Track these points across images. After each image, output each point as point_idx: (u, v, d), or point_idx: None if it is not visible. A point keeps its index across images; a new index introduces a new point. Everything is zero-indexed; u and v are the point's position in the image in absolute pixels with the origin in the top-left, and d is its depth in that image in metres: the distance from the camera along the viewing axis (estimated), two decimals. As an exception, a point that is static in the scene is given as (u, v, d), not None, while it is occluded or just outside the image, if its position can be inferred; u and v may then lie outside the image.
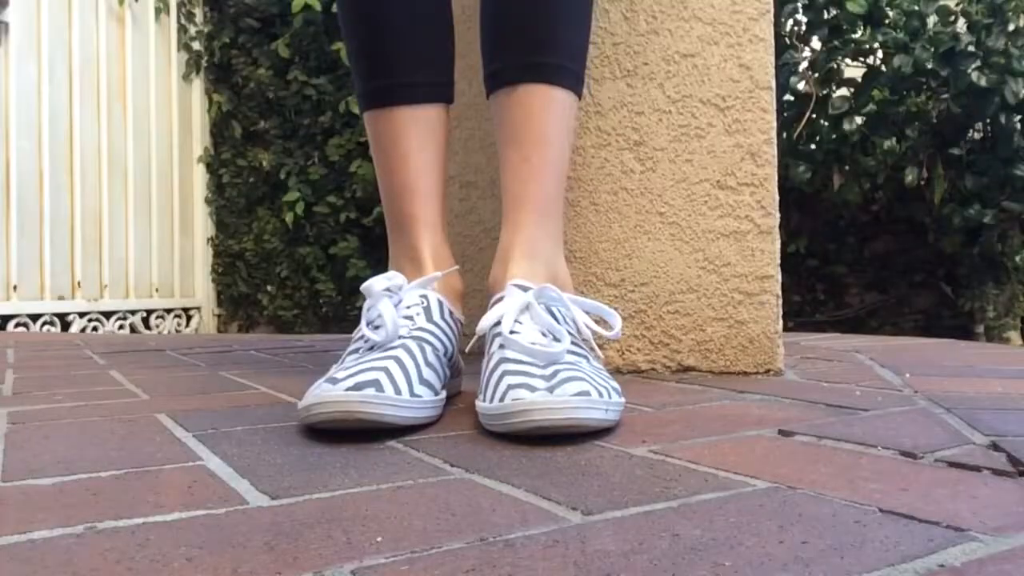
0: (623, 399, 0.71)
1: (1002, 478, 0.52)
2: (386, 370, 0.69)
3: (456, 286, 0.92)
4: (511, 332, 0.73)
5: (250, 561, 0.39)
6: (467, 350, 0.85)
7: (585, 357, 0.75)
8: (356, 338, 0.79)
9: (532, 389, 0.65)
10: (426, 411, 0.71)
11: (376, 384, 0.66)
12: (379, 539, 0.42)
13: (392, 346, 0.74)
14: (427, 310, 0.81)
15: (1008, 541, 0.40)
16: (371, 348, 0.75)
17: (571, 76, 0.90)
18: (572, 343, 0.75)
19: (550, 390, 0.65)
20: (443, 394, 0.76)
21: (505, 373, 0.69)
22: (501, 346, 0.73)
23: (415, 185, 0.91)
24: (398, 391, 0.67)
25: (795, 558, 0.39)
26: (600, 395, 0.66)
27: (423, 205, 0.91)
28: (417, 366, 0.73)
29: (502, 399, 0.66)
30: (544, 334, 0.74)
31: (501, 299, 0.79)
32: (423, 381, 0.72)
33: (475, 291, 1.34)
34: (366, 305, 0.80)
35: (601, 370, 0.76)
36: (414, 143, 0.91)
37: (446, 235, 0.94)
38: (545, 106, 0.88)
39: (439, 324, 0.81)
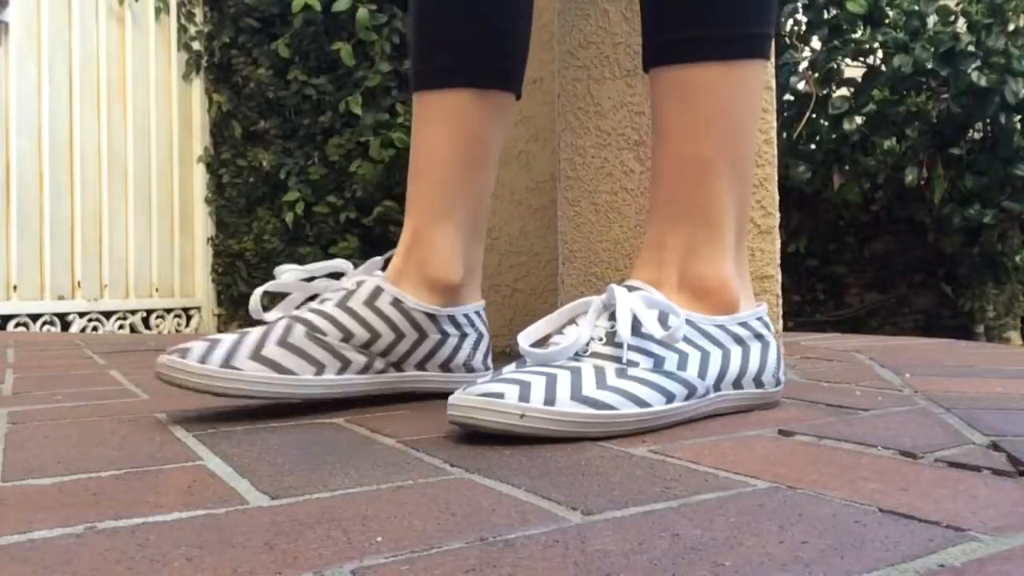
0: (611, 412, 0.65)
1: (1002, 478, 0.52)
2: (215, 340, 0.76)
3: (432, 273, 0.87)
4: (529, 342, 0.71)
5: (250, 561, 0.39)
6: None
7: (635, 363, 0.69)
8: None
9: (470, 385, 0.67)
10: (232, 383, 0.74)
11: (182, 351, 0.74)
12: (379, 539, 0.42)
13: (267, 323, 0.80)
14: (348, 295, 0.82)
15: (1008, 541, 0.40)
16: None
17: (694, 45, 0.77)
18: (625, 345, 0.69)
19: (470, 386, 0.66)
20: (317, 378, 0.78)
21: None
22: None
23: (420, 169, 0.90)
24: (203, 359, 0.73)
25: (795, 558, 0.39)
26: (523, 400, 0.63)
27: (419, 189, 0.90)
28: (259, 342, 0.76)
29: None
30: (593, 338, 0.70)
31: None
32: (257, 356, 0.75)
33: (475, 291, 1.33)
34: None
35: (644, 379, 0.68)
36: (428, 128, 0.90)
37: (449, 222, 0.89)
38: (663, 93, 0.79)
39: (353, 309, 0.81)
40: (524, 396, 0.63)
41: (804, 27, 2.60)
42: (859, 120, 2.51)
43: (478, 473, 0.55)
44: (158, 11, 3.21)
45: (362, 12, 2.85)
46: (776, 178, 1.05)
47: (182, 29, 3.32)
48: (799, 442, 0.64)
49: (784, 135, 2.53)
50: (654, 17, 0.81)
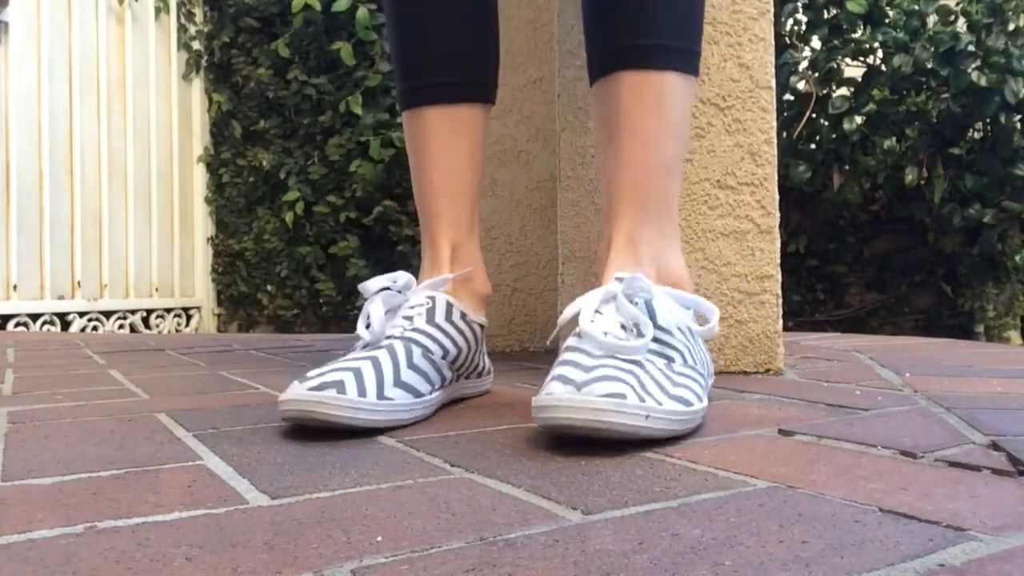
0: (692, 408, 0.65)
1: (1002, 478, 0.52)
2: (357, 371, 0.69)
3: (478, 288, 0.91)
4: (591, 321, 0.68)
5: (250, 561, 0.39)
6: (547, 343, 0.82)
7: (671, 358, 0.69)
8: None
9: (565, 382, 0.61)
10: (396, 414, 0.70)
11: (339, 385, 0.67)
12: (379, 539, 0.42)
13: (379, 346, 0.75)
14: (430, 311, 0.81)
15: (1008, 541, 0.40)
16: (364, 347, 0.76)
17: (669, 55, 0.82)
18: (662, 340, 0.70)
19: (579, 387, 0.60)
20: (432, 396, 0.76)
21: (559, 363, 0.65)
22: (576, 335, 0.68)
23: (442, 184, 0.91)
24: (363, 393, 0.67)
25: (795, 558, 0.39)
26: (641, 400, 0.61)
27: (448, 205, 0.91)
28: (396, 368, 0.72)
29: (541, 390, 0.63)
30: (625, 327, 0.68)
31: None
32: (400, 383, 0.72)
33: (475, 291, 1.34)
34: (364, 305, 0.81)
35: (687, 374, 0.69)
36: (443, 142, 0.91)
37: (475, 236, 0.93)
38: (637, 95, 0.82)
39: (441, 326, 0.81)
40: (641, 397, 0.61)
41: (804, 27, 2.59)
42: (859, 120, 2.51)
43: (478, 473, 0.55)
44: (158, 11, 3.21)
45: (362, 12, 2.85)
46: (776, 178, 1.05)
47: (182, 29, 3.32)
48: (799, 442, 0.64)
49: (784, 135, 2.52)
50: (630, 21, 0.84)
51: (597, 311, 0.70)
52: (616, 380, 0.61)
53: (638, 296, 0.71)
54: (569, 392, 0.60)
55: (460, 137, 0.91)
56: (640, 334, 0.68)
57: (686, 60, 0.83)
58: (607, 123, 0.84)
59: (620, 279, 0.72)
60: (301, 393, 0.66)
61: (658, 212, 0.82)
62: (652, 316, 0.70)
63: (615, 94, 0.83)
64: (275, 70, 3.15)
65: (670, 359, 0.69)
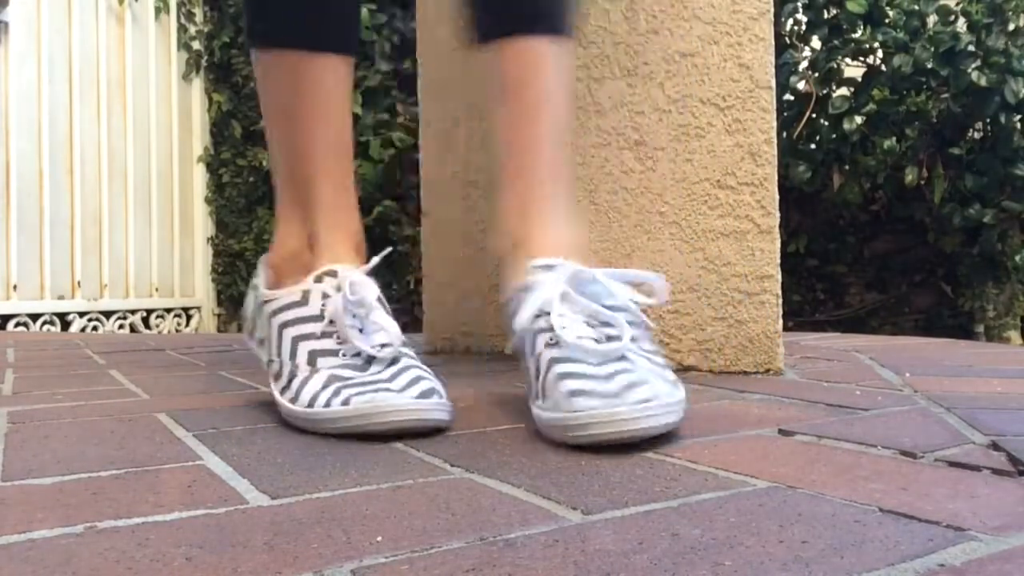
0: (680, 388, 0.66)
1: (1002, 478, 0.52)
2: (431, 378, 0.70)
3: (358, 240, 0.84)
4: (563, 328, 0.67)
5: (250, 561, 0.39)
6: (507, 351, 0.76)
7: (635, 337, 0.68)
8: (322, 337, 0.73)
9: (592, 395, 0.61)
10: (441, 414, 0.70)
11: (437, 392, 0.69)
12: (379, 539, 0.42)
13: (402, 357, 0.72)
14: (383, 303, 0.76)
15: (1008, 541, 0.40)
16: (368, 360, 0.71)
17: (552, 20, 0.83)
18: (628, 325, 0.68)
19: (612, 397, 0.60)
20: None
21: (562, 376, 0.64)
22: (554, 344, 0.66)
23: (331, 140, 0.83)
24: (442, 396, 0.69)
25: (795, 558, 0.39)
26: (667, 395, 0.62)
27: (335, 164, 0.84)
28: (436, 374, 0.73)
29: (562, 407, 0.62)
30: (590, 324, 0.67)
31: (525, 287, 0.72)
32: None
33: (473, 293, 1.33)
34: (348, 308, 0.74)
35: (654, 354, 0.69)
36: (328, 93, 0.83)
37: (354, 196, 0.86)
38: (522, 62, 0.81)
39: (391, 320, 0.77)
40: (665, 393, 0.62)
41: (804, 27, 2.59)
42: (859, 120, 2.50)
43: (478, 473, 0.55)
44: (158, 11, 3.21)
45: (362, 12, 2.85)
46: (776, 178, 1.05)
47: (182, 29, 3.32)
48: (799, 442, 0.64)
49: (784, 135, 2.52)
50: None
51: (560, 314, 0.68)
52: (641, 384, 0.61)
53: (588, 287, 0.69)
54: (605, 404, 0.60)
55: (341, 88, 0.83)
56: (610, 324, 0.67)
57: (557, 23, 0.83)
58: (509, 87, 0.82)
59: (546, 266, 0.71)
60: (408, 402, 0.66)
61: (550, 179, 0.80)
62: (611, 300, 0.69)
63: (496, 62, 0.82)
64: (275, 70, 3.15)
65: (635, 339, 0.68)
